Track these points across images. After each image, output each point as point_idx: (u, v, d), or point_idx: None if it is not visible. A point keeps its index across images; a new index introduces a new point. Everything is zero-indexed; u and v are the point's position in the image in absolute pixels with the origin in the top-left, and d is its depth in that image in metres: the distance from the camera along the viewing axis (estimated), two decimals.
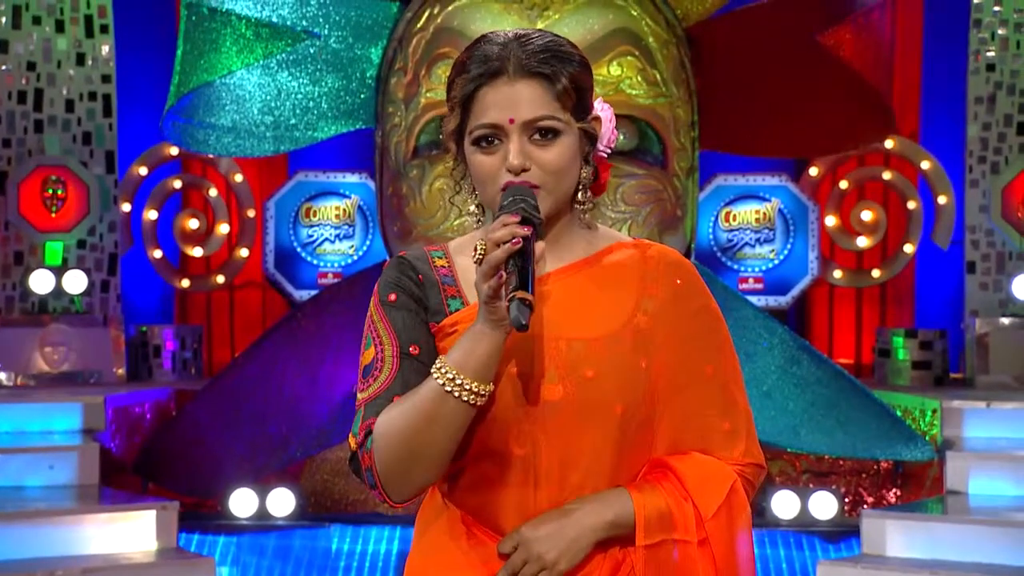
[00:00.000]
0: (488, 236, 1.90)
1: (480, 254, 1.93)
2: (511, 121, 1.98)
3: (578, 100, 2.02)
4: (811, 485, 6.71)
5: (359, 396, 2.03)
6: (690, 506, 1.99)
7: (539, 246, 1.92)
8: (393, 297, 2.04)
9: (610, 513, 1.98)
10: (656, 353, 2.03)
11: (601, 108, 2.09)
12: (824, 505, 6.42)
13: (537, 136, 1.99)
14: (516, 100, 1.98)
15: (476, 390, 1.92)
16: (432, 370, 1.94)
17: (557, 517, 1.98)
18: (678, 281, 2.07)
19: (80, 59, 7.65)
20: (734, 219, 8.03)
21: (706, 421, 2.06)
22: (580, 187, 2.06)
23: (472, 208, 2.07)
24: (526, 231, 1.89)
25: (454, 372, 1.91)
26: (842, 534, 6.31)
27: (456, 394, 1.91)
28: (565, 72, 2.00)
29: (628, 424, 2.00)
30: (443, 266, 2.08)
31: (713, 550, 1.99)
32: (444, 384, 1.92)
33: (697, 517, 1.99)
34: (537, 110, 1.98)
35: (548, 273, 2.04)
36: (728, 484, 2.03)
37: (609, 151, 2.11)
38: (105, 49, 7.67)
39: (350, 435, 2.02)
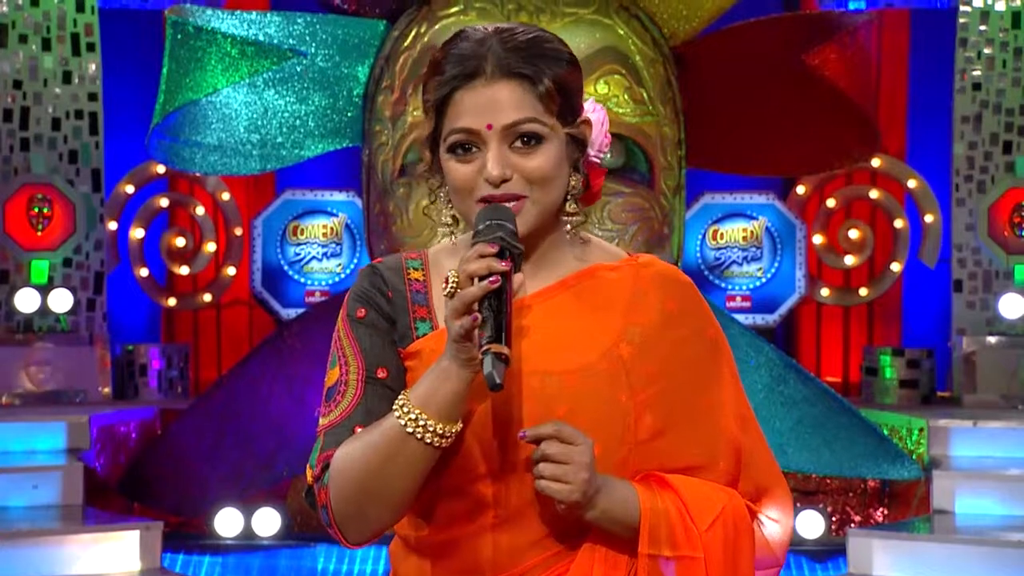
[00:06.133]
0: (462, 267, 1.73)
1: (452, 287, 1.74)
2: (489, 127, 1.80)
3: (564, 102, 1.83)
4: (798, 504, 6.70)
5: (320, 421, 1.87)
6: (689, 520, 1.82)
7: (517, 278, 1.75)
8: (362, 312, 1.87)
9: (620, 510, 1.80)
10: (643, 387, 1.84)
11: (592, 110, 1.90)
12: (811, 524, 6.41)
13: (519, 143, 1.81)
14: (494, 103, 1.80)
15: (441, 432, 1.75)
16: (394, 406, 1.77)
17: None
18: (670, 305, 1.88)
19: (67, 77, 7.64)
20: (721, 237, 8.03)
21: (694, 461, 1.89)
22: (569, 197, 1.86)
23: (447, 219, 1.88)
24: (504, 266, 1.71)
25: (417, 412, 1.75)
26: (829, 553, 6.30)
27: (419, 436, 1.75)
28: (549, 72, 1.82)
29: (603, 464, 1.81)
30: (418, 280, 1.90)
31: (707, 568, 1.82)
32: (406, 424, 1.75)
33: (696, 531, 1.82)
34: (517, 113, 1.80)
35: (529, 295, 1.85)
36: (723, 500, 1.86)
37: (601, 156, 1.92)
38: (91, 67, 7.65)
39: (307, 466, 1.87)
